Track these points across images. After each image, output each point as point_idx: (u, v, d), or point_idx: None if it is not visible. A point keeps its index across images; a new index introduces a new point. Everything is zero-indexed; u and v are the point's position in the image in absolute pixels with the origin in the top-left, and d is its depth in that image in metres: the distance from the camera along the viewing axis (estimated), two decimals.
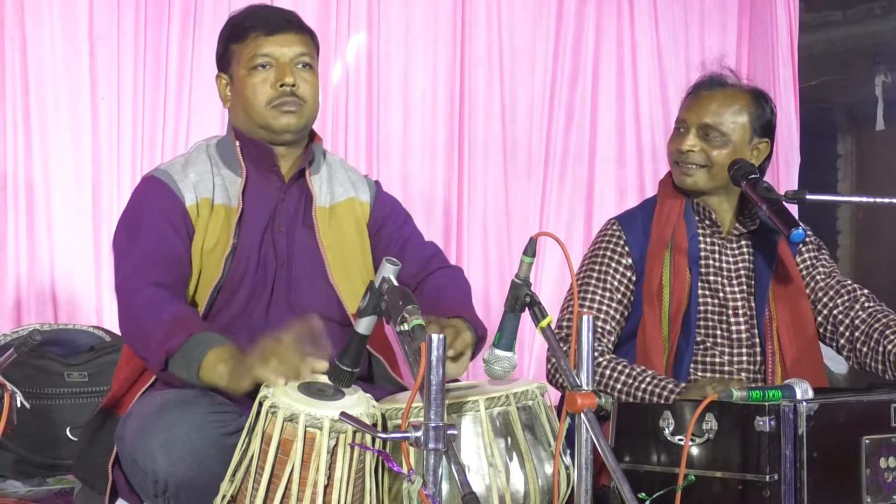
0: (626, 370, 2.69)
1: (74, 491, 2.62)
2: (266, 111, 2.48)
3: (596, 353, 2.72)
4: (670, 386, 2.62)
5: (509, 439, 2.19)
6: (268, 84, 2.48)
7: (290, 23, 2.53)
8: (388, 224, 2.64)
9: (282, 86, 2.47)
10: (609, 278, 2.85)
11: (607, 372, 2.70)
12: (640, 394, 2.65)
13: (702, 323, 2.85)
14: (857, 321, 2.88)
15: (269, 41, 2.48)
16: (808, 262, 2.96)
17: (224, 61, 2.56)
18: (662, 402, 2.59)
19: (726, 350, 2.85)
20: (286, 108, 2.48)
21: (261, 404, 2.08)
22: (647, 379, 2.65)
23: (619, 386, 2.68)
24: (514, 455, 2.19)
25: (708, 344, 2.85)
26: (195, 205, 2.47)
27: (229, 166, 2.53)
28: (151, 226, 2.43)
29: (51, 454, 3.41)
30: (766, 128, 2.89)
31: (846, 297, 2.91)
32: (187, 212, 2.46)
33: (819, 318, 2.93)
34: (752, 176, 2.77)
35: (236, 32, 2.53)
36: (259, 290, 2.48)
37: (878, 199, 2.91)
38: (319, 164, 2.61)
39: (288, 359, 2.13)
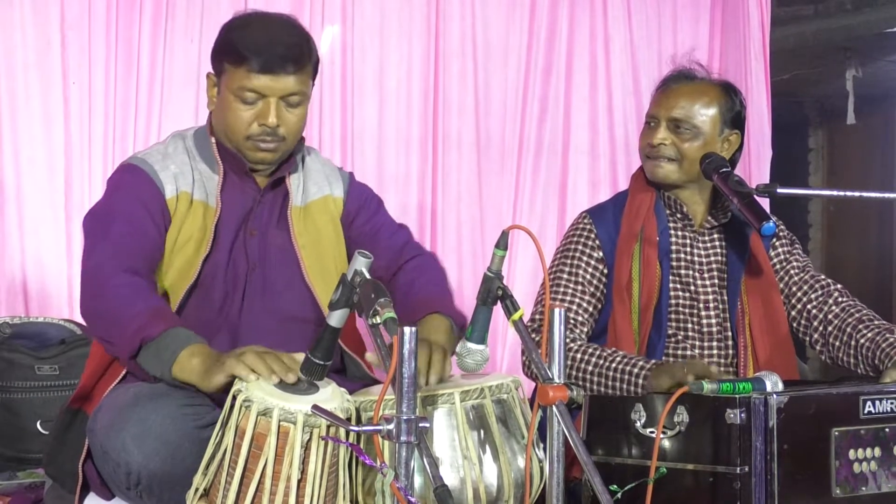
0: (597, 352, 2.70)
1: (45, 487, 2.60)
2: (244, 142, 2.45)
3: (568, 341, 2.73)
4: (641, 363, 2.63)
5: (483, 432, 2.20)
6: (250, 117, 2.43)
7: (287, 61, 2.41)
8: (361, 215, 2.63)
9: (263, 125, 2.42)
10: (581, 272, 2.86)
11: (578, 356, 2.71)
12: (611, 373, 2.66)
13: (673, 316, 2.86)
14: (830, 316, 2.90)
15: (262, 78, 2.40)
16: (782, 257, 2.98)
17: (217, 66, 2.49)
18: (634, 378, 2.61)
19: (697, 343, 2.87)
20: (263, 146, 2.45)
21: (234, 398, 2.08)
22: (618, 358, 2.67)
23: (590, 368, 2.69)
24: (488, 448, 2.19)
25: (679, 337, 2.87)
26: (175, 197, 2.45)
27: (206, 162, 2.51)
28: (128, 213, 2.41)
29: (21, 448, 3.39)
30: (735, 120, 2.90)
31: (820, 292, 2.93)
32: (166, 203, 2.44)
33: (793, 313, 2.95)
34: (724, 169, 2.79)
35: (232, 53, 2.43)
36: (231, 294, 2.46)
37: (849, 193, 2.93)
38: (298, 164, 2.59)
39: (265, 357, 2.13)
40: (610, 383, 2.65)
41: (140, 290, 2.30)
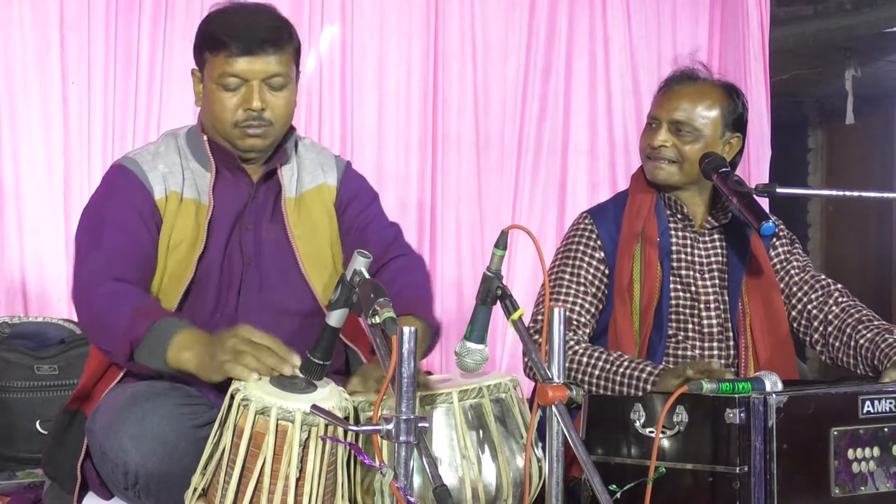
0: (604, 356, 2.70)
1: (44, 487, 2.60)
2: (231, 130, 2.44)
3: (572, 343, 2.73)
4: (648, 368, 2.63)
5: (481, 432, 2.20)
6: (235, 104, 2.42)
7: (265, 42, 2.40)
8: (353, 205, 2.61)
9: (248, 109, 2.41)
10: (582, 272, 2.85)
11: (584, 359, 2.71)
12: (618, 378, 2.66)
13: (673, 317, 2.86)
14: (830, 316, 2.89)
15: (242, 61, 2.39)
16: (783, 257, 2.98)
17: (199, 60, 2.49)
18: (642, 384, 2.61)
19: (698, 344, 2.87)
20: (251, 132, 2.43)
21: (232, 397, 2.07)
22: (625, 363, 2.67)
23: (597, 372, 2.69)
24: (487, 447, 2.19)
25: (680, 337, 2.86)
26: (164, 198, 2.44)
27: (198, 160, 2.51)
28: (118, 218, 2.40)
29: (20, 447, 3.39)
30: (737, 122, 2.90)
31: (820, 293, 2.93)
32: (156, 204, 2.44)
33: (793, 313, 2.95)
34: (723, 169, 2.78)
35: (211, 42, 2.44)
36: (225, 291, 2.45)
37: (848, 193, 2.93)
38: (291, 154, 2.58)
39: (262, 357, 2.12)
40: (617, 388, 2.65)
41: (125, 295, 2.29)
